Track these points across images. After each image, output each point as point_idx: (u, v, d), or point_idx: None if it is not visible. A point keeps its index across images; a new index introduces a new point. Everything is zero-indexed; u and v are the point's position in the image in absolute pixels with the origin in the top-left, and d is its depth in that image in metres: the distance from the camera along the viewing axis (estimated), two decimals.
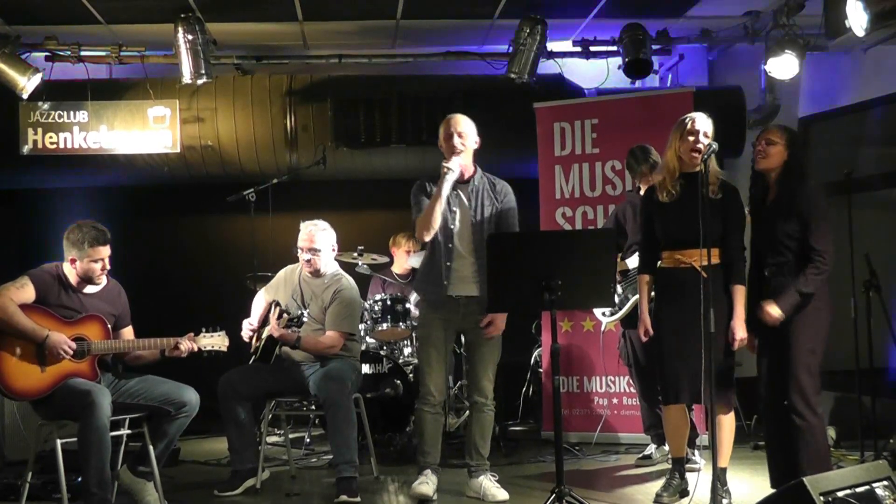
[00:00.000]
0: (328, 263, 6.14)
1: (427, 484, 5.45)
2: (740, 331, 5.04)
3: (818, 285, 4.90)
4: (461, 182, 5.49)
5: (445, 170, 5.30)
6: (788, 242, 4.98)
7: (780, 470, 5.09)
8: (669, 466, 5.53)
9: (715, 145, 4.81)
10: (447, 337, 5.57)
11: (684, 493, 5.34)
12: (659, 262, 5.30)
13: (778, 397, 4.99)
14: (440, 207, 5.34)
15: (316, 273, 6.10)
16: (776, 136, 5.09)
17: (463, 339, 5.96)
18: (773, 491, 5.10)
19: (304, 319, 5.87)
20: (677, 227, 5.11)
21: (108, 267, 5.37)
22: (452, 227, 5.46)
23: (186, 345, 5.41)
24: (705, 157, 4.78)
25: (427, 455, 5.53)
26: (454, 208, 5.47)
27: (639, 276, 5.44)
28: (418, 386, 5.65)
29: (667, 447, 6.28)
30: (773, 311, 4.89)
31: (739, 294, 5.07)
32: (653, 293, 5.37)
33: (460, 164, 5.39)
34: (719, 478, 4.92)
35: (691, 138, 5.10)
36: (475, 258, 5.45)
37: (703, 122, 5.13)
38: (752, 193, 5.25)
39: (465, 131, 5.45)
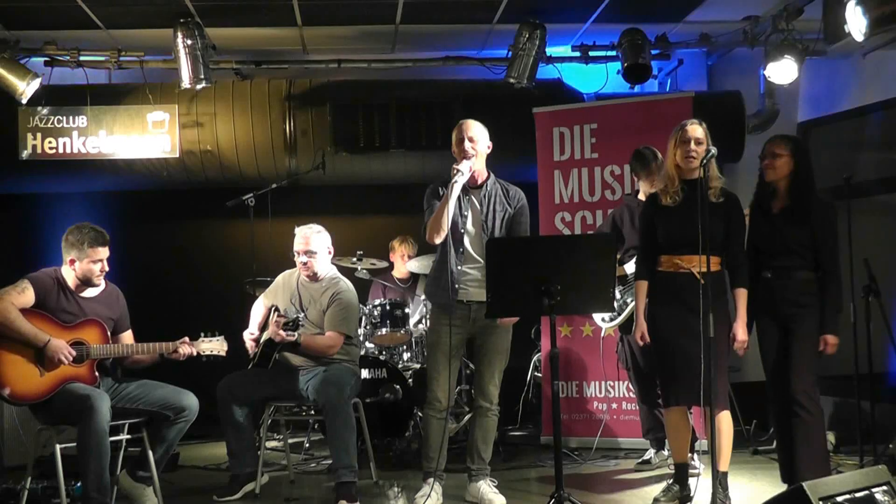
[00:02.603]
0: (325, 266, 6.14)
1: (431, 497, 5.40)
2: (741, 333, 5.10)
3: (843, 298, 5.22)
4: (473, 187, 5.50)
5: (455, 172, 5.29)
6: (799, 250, 5.16)
7: (789, 465, 5.26)
8: (669, 471, 5.55)
9: (714, 150, 4.82)
10: (458, 343, 5.56)
11: (685, 499, 5.34)
12: (657, 267, 5.31)
13: (787, 393, 5.15)
14: (449, 210, 5.33)
15: (314, 277, 6.10)
16: (781, 148, 5.20)
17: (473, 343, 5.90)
18: (772, 495, 5.12)
19: (301, 322, 5.86)
20: (679, 231, 5.11)
21: (106, 269, 5.38)
22: (463, 230, 5.46)
23: (185, 349, 5.42)
24: (703, 161, 4.82)
25: (431, 461, 5.51)
26: (465, 213, 5.47)
27: (636, 282, 5.43)
28: (424, 391, 5.61)
29: (666, 451, 6.31)
30: (833, 339, 5.13)
31: (742, 297, 5.15)
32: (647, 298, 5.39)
33: (472, 168, 5.39)
34: (720, 482, 4.94)
35: (684, 146, 5.15)
36: (486, 263, 5.45)
37: (694, 130, 5.16)
38: (756, 197, 5.33)
39: (476, 136, 5.44)
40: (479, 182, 5.52)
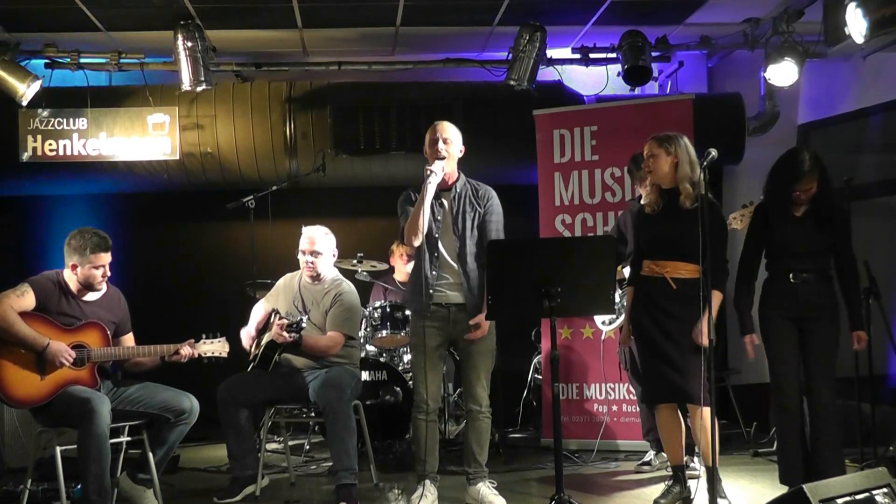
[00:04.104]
0: (328, 268, 6.15)
1: (426, 497, 5.42)
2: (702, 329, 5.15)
3: None
4: (444, 189, 5.49)
5: (428, 172, 5.30)
6: (824, 252, 5.29)
7: (794, 464, 5.30)
8: (669, 472, 5.57)
9: (713, 152, 4.83)
10: (439, 344, 5.56)
11: (686, 501, 5.35)
12: (641, 272, 5.42)
13: (798, 394, 5.32)
14: (425, 212, 5.33)
15: (316, 278, 6.10)
16: (811, 182, 5.25)
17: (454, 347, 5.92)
18: (773, 497, 5.14)
19: (304, 325, 5.86)
20: (655, 238, 5.31)
21: (108, 274, 5.38)
22: (437, 234, 5.45)
23: (186, 351, 5.41)
24: (704, 164, 4.85)
25: (424, 464, 5.51)
26: (438, 216, 5.45)
27: (627, 287, 5.58)
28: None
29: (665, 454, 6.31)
30: (864, 335, 5.39)
31: (715, 299, 5.17)
32: None
33: (444, 170, 5.40)
34: (709, 477, 5.09)
35: (645, 161, 5.38)
36: (459, 265, 5.45)
37: (647, 147, 5.36)
38: (773, 204, 5.40)
39: (450, 137, 5.46)
40: (450, 184, 5.51)
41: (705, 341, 5.15)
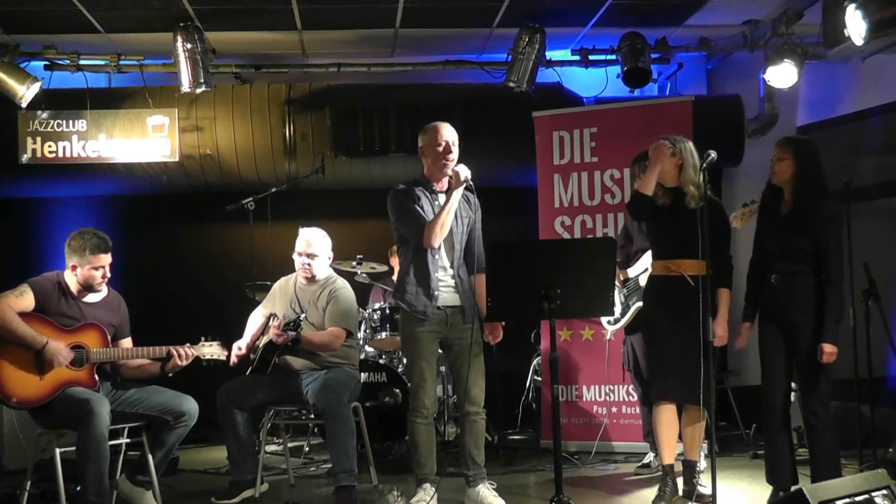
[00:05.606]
0: (323, 270, 6.15)
1: (425, 500, 5.41)
2: (720, 329, 5.24)
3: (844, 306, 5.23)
4: (442, 192, 5.48)
5: (463, 178, 5.24)
6: (801, 256, 5.16)
7: (783, 471, 5.27)
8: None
9: (713, 154, 4.84)
10: (436, 348, 5.55)
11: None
12: (649, 270, 5.50)
13: (784, 399, 5.27)
14: (453, 213, 5.33)
15: (311, 279, 6.10)
16: (781, 151, 5.26)
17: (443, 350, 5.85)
18: (773, 498, 5.16)
19: (301, 322, 5.84)
20: (664, 238, 5.35)
21: (108, 275, 5.38)
22: None
23: (186, 352, 5.41)
24: (703, 166, 4.88)
25: (423, 467, 5.49)
26: None
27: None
28: (409, 398, 5.61)
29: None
30: (829, 349, 5.06)
31: (724, 297, 5.30)
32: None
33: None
34: (689, 469, 5.27)
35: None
36: (455, 268, 5.46)
37: (650, 149, 5.37)
38: (764, 198, 5.44)
39: (458, 142, 5.47)
40: (444, 188, 5.48)
41: (718, 342, 5.23)
